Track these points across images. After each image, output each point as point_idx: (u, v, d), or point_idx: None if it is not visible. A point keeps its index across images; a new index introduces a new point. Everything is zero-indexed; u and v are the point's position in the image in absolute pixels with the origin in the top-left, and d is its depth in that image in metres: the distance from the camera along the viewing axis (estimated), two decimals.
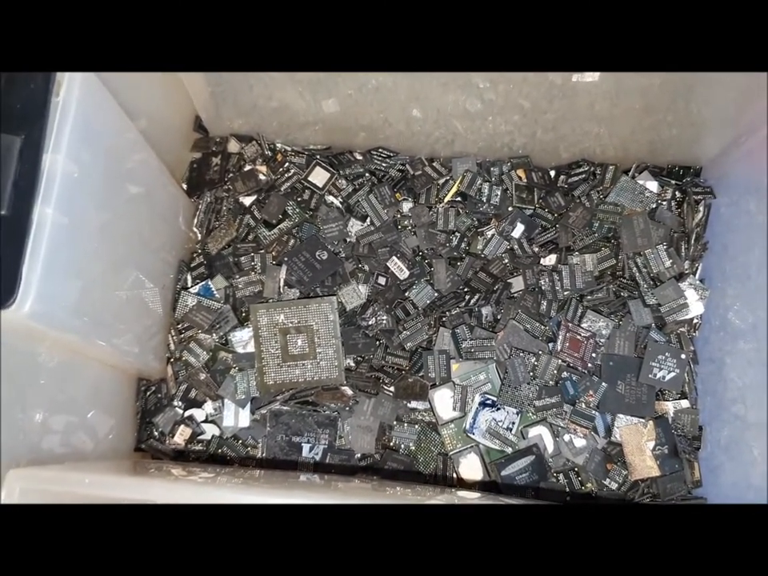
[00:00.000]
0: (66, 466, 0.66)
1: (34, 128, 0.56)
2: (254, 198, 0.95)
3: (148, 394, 0.88)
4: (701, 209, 0.91)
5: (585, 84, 0.83)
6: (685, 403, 0.86)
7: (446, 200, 0.95)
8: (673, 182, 0.94)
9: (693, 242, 0.90)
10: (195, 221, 0.95)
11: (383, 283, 0.91)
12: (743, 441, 0.78)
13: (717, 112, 0.86)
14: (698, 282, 0.88)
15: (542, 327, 0.87)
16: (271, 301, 0.89)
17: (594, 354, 0.86)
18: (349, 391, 0.87)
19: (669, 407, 0.86)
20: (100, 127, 0.64)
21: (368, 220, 0.94)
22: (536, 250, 0.92)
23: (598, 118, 0.89)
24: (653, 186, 0.93)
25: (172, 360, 0.89)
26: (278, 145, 0.98)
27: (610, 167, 0.94)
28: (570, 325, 0.86)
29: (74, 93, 0.58)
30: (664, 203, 0.93)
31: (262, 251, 0.92)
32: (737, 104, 0.82)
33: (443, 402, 0.86)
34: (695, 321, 0.89)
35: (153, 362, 0.87)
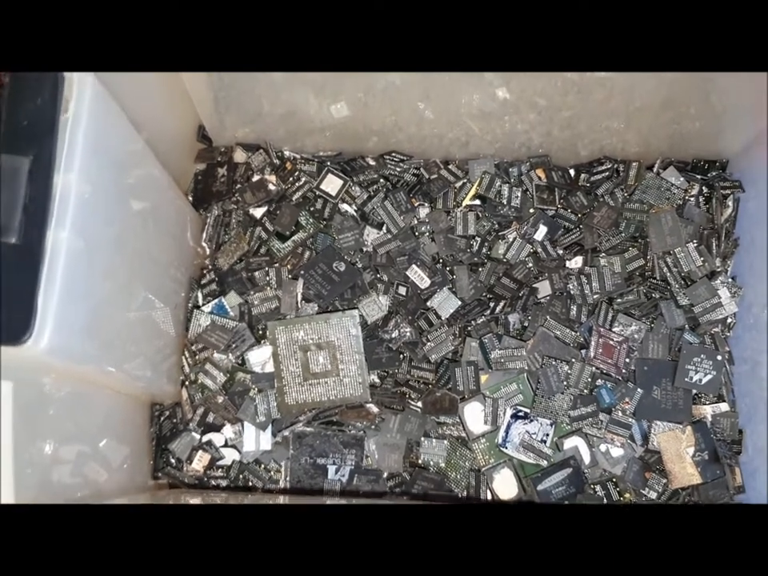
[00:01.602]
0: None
1: (42, 148, 0.52)
2: (264, 209, 0.91)
3: (162, 419, 0.84)
4: (729, 204, 0.88)
5: (600, 79, 0.80)
6: (724, 406, 0.83)
7: (464, 204, 0.91)
8: (699, 176, 0.91)
9: (723, 238, 0.87)
10: (204, 235, 0.91)
11: (404, 293, 0.87)
12: None
13: (741, 103, 0.83)
14: (730, 279, 0.85)
15: (573, 333, 0.84)
16: (289, 317, 0.85)
17: (627, 360, 0.83)
18: (374, 408, 0.83)
19: (707, 411, 0.83)
20: (110, 142, 0.60)
21: (384, 227, 0.90)
22: (560, 252, 0.89)
23: (616, 114, 0.86)
24: (679, 181, 0.90)
25: (187, 383, 0.85)
26: (287, 152, 0.94)
27: (633, 164, 0.90)
28: (602, 330, 0.83)
29: (84, 108, 0.54)
30: (691, 199, 0.90)
31: (277, 265, 0.88)
32: (763, 94, 0.79)
33: (474, 415, 0.82)
34: (729, 320, 0.86)
35: (166, 385, 0.83)
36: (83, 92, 0.54)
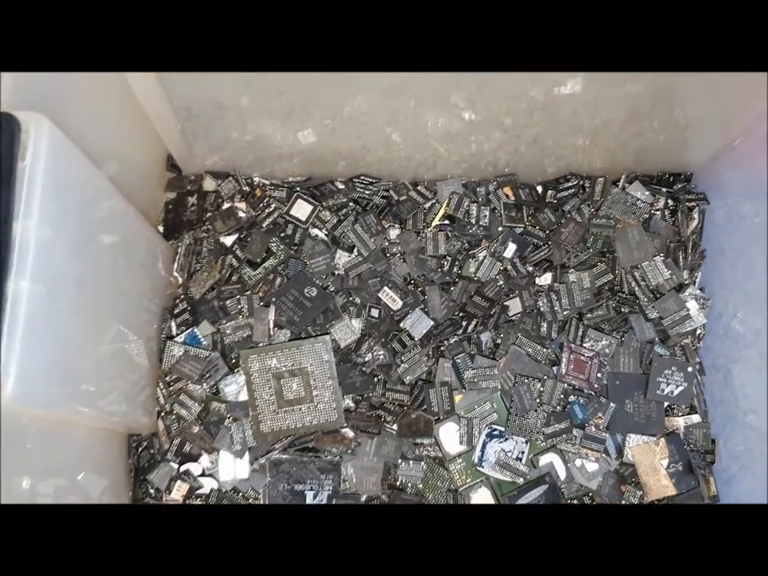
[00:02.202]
0: None
1: (0, 197, 0.52)
2: (235, 236, 0.91)
3: (140, 450, 0.84)
4: (695, 216, 0.89)
5: (564, 95, 0.81)
6: (695, 417, 0.84)
7: (433, 224, 0.92)
8: (664, 189, 0.92)
9: (690, 250, 0.88)
10: (175, 265, 0.91)
11: (376, 315, 0.88)
12: (755, 448, 0.77)
13: (704, 116, 0.84)
14: (698, 291, 0.86)
15: (545, 350, 0.85)
16: (262, 345, 0.86)
17: (599, 374, 0.84)
18: (350, 433, 0.84)
19: (679, 423, 0.84)
20: (69, 184, 0.60)
21: (355, 251, 0.90)
22: (530, 269, 0.90)
23: (581, 129, 0.87)
24: (644, 195, 0.91)
25: (162, 414, 0.85)
26: (256, 179, 0.94)
27: (599, 179, 0.91)
28: (573, 346, 0.84)
29: (41, 154, 0.54)
30: (657, 213, 0.91)
31: (248, 292, 0.89)
32: (728, 107, 0.80)
33: (449, 436, 0.83)
34: (698, 331, 0.87)
35: (142, 417, 0.83)
36: (39, 138, 0.54)
